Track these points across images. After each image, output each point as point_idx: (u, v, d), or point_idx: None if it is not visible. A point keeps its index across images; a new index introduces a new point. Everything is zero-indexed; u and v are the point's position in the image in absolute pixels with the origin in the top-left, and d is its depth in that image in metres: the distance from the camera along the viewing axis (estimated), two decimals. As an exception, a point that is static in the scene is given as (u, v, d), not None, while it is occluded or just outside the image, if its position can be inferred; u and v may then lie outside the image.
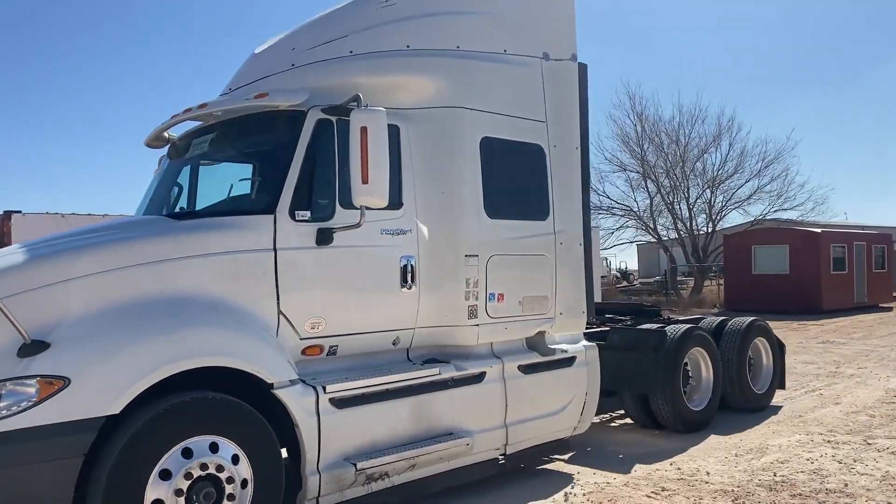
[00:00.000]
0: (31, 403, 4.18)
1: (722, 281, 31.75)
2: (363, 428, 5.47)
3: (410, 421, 5.76)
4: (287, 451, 5.31)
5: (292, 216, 5.37)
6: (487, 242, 6.33)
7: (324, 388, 5.25)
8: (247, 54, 6.64)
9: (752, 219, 35.97)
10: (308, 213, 5.44)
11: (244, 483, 4.80)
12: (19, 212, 18.05)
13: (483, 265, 6.28)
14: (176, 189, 6.26)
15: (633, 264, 55.91)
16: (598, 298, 23.25)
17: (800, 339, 18.26)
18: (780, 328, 20.81)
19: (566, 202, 7.01)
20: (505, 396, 6.40)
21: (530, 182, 6.80)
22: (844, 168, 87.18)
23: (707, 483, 6.53)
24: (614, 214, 37.02)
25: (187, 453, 4.58)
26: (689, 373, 8.61)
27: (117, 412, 4.37)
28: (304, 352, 5.50)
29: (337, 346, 5.67)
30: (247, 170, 6.05)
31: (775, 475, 6.69)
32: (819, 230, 28.82)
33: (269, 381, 5.00)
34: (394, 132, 6.00)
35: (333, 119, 5.57)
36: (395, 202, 5.91)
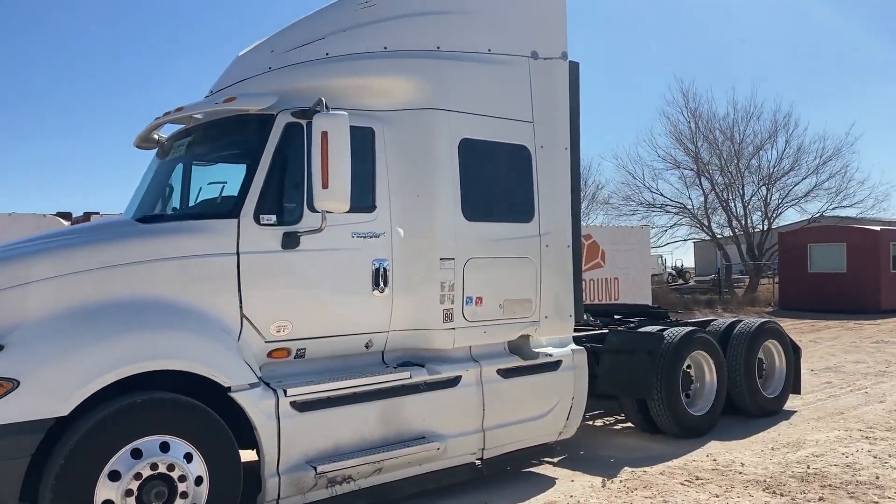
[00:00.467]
0: None
1: (778, 280, 30.89)
2: (326, 431, 5.47)
3: (378, 425, 5.74)
4: (256, 452, 5.35)
5: (257, 220, 5.40)
6: (464, 245, 6.26)
7: (285, 392, 5.28)
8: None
9: (810, 216, 34.91)
10: (274, 217, 5.47)
11: (198, 480, 4.84)
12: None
13: (460, 268, 6.22)
14: (156, 191, 6.36)
15: (689, 262, 54.91)
16: (647, 298, 23.38)
17: (853, 338, 17.89)
18: (835, 328, 20.43)
19: (553, 204, 6.88)
20: (482, 400, 6.32)
21: (514, 184, 6.70)
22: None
23: (741, 473, 6.70)
24: (668, 212, 36.32)
25: (136, 454, 4.65)
26: (692, 377, 8.37)
27: (65, 414, 4.46)
28: (270, 354, 5.53)
29: (305, 349, 5.68)
30: (219, 173, 6.11)
31: (808, 468, 6.81)
32: (878, 228, 27.76)
33: (226, 385, 5.04)
34: (368, 134, 6.01)
35: (303, 122, 5.54)
36: (368, 205, 5.92)
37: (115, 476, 4.55)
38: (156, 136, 6.73)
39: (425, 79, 6.24)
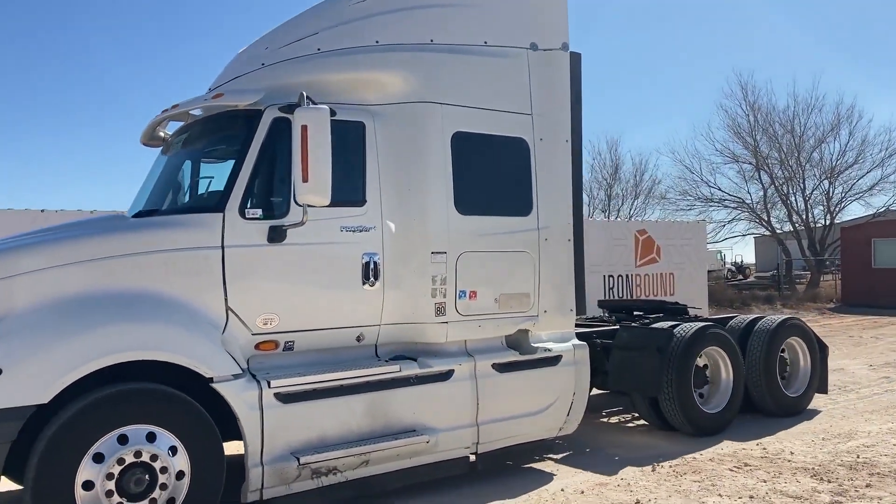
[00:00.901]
0: None
1: (840, 275, 29.86)
2: (311, 423, 5.51)
3: (366, 417, 5.76)
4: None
5: (242, 214, 5.49)
6: (457, 239, 6.24)
7: (268, 383, 5.35)
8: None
9: (874, 211, 33.58)
10: (259, 211, 5.55)
11: (180, 475, 4.96)
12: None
13: (452, 262, 6.20)
14: (156, 187, 6.50)
15: (749, 258, 53.45)
16: (703, 294, 22.88)
17: (915, 335, 17.34)
18: (898, 324, 19.65)
19: (553, 197, 6.80)
20: (476, 395, 6.29)
21: (511, 177, 6.64)
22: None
23: (789, 461, 6.79)
24: (726, 207, 35.47)
25: (123, 440, 4.78)
26: (708, 374, 8.15)
27: (46, 401, 4.61)
28: (257, 347, 5.61)
29: (293, 341, 5.75)
30: (211, 168, 6.21)
31: (858, 457, 6.86)
32: (946, 221, 26.59)
33: (208, 375, 5.14)
34: (359, 128, 6.05)
35: (290, 117, 5.57)
36: (358, 199, 5.96)
37: (98, 458, 4.69)
38: (161, 134, 6.90)
39: (417, 72, 6.24)
